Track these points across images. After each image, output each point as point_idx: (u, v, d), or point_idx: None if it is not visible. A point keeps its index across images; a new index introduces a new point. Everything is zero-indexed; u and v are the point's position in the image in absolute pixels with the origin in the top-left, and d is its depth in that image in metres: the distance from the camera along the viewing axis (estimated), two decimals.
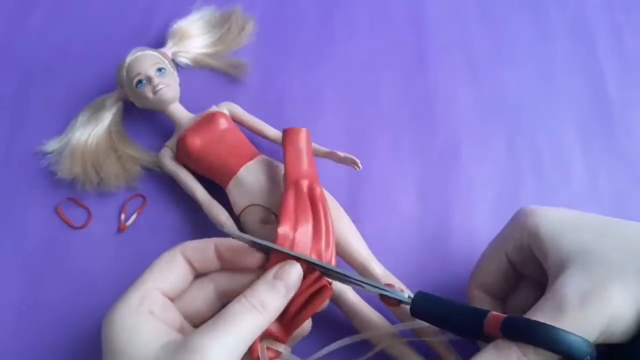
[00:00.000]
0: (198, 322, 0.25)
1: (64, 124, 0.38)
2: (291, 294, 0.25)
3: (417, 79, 0.40)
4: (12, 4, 0.44)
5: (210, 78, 0.40)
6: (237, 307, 0.23)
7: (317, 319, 0.30)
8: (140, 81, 0.35)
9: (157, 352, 0.22)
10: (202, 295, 0.26)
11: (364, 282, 0.26)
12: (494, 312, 0.24)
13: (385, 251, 0.33)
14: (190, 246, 0.26)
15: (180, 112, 0.36)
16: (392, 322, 0.30)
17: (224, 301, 0.26)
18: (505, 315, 0.23)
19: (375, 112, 0.39)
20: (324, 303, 0.27)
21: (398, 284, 0.31)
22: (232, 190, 0.33)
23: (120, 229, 0.35)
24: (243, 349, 0.23)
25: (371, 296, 0.31)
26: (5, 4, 0.44)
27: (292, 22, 0.43)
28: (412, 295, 0.26)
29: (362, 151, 0.37)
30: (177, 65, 0.39)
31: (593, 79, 0.40)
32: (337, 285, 0.30)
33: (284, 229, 0.28)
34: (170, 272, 0.25)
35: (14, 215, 0.36)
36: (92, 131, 0.36)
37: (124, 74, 0.36)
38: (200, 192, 0.34)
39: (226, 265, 0.27)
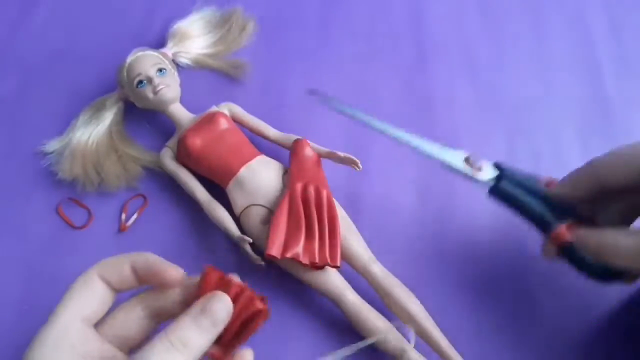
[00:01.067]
0: (132, 344, 0.24)
1: (64, 124, 0.38)
2: (219, 330, 0.23)
3: (417, 79, 0.40)
4: (13, 4, 0.44)
5: (210, 78, 0.40)
6: (158, 346, 0.21)
7: (317, 316, 0.30)
8: (140, 81, 0.35)
9: None
10: (132, 317, 0.24)
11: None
12: (567, 224, 0.27)
13: (385, 251, 0.32)
14: (105, 264, 0.24)
15: (181, 113, 0.36)
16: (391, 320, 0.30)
17: (156, 320, 0.24)
18: (568, 240, 0.26)
19: (375, 112, 0.39)
20: (259, 326, 0.24)
21: (397, 281, 0.31)
22: (232, 190, 0.33)
23: (120, 229, 0.35)
24: None
25: (372, 296, 0.31)
26: (6, 4, 0.44)
27: (292, 22, 0.43)
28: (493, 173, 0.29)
29: (361, 151, 0.37)
30: (177, 65, 0.39)
31: (592, 78, 0.40)
32: (337, 286, 0.31)
33: (271, 252, 0.29)
34: (88, 295, 0.23)
35: (15, 215, 0.36)
36: (92, 131, 0.36)
37: (125, 74, 0.36)
38: (200, 192, 0.34)
39: (143, 282, 0.24)
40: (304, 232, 0.30)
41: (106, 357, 0.23)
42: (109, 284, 0.24)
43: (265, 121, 0.36)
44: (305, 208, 0.31)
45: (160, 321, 0.24)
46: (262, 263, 0.31)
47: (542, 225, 0.28)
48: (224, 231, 0.32)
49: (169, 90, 0.35)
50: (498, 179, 0.29)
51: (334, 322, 0.32)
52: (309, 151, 0.34)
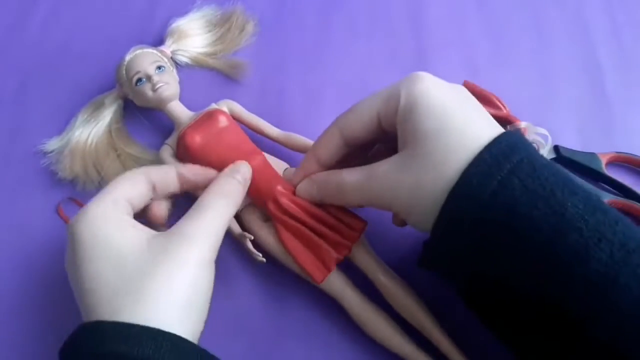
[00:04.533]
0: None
1: (64, 124, 0.38)
2: (247, 183, 0.29)
3: None
4: (13, 3, 0.44)
5: (209, 77, 0.40)
6: (206, 198, 0.27)
7: (318, 314, 0.30)
8: (139, 79, 0.35)
9: (144, 243, 0.24)
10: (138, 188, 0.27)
11: None
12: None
13: (385, 249, 0.32)
14: (153, 170, 0.28)
15: (180, 110, 0.36)
16: (395, 318, 0.30)
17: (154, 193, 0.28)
18: None
19: None
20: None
21: (398, 278, 0.31)
22: None
23: None
24: (221, 231, 0.26)
25: (374, 292, 0.31)
26: (6, 3, 0.44)
27: (292, 22, 0.43)
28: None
29: None
30: (176, 63, 0.39)
31: (593, 78, 0.40)
32: (339, 282, 0.30)
33: (318, 278, 0.30)
34: (133, 188, 0.27)
35: (15, 215, 0.36)
36: (92, 130, 0.36)
37: (124, 72, 0.36)
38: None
39: (187, 188, 0.29)
40: (315, 236, 0.30)
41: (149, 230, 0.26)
42: (152, 185, 0.28)
43: (265, 121, 0.36)
44: (296, 218, 0.30)
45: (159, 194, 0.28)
46: (263, 260, 0.31)
47: None
48: None
49: (167, 87, 0.35)
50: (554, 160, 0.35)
51: (335, 320, 0.32)
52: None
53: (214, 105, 0.36)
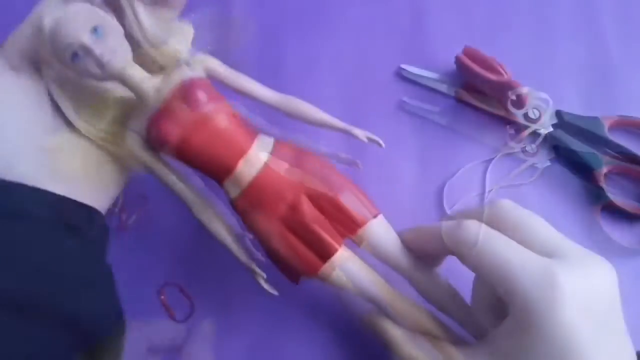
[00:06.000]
0: None
1: None
2: None
3: (416, 45, 0.38)
4: (13, 3, 0.28)
5: None
6: None
7: (317, 314, 0.32)
8: (74, 54, 0.25)
9: None
10: None
11: None
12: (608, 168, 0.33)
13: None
14: None
15: (140, 79, 0.26)
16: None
17: None
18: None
19: (374, 80, 0.37)
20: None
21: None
22: (231, 190, 0.28)
23: (120, 229, 0.33)
24: None
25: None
26: (6, 3, 0.35)
27: (293, 21, 0.39)
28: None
29: (360, 121, 0.32)
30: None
31: (595, 40, 0.38)
32: (337, 278, 0.31)
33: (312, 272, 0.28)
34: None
35: None
36: None
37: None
38: (189, 194, 0.28)
39: None
40: (317, 227, 0.27)
41: None
42: None
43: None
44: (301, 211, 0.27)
45: None
46: (263, 259, 0.29)
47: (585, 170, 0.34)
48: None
49: (117, 55, 0.25)
50: (555, 127, 0.34)
51: (334, 320, 0.33)
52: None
53: (186, 71, 0.27)
